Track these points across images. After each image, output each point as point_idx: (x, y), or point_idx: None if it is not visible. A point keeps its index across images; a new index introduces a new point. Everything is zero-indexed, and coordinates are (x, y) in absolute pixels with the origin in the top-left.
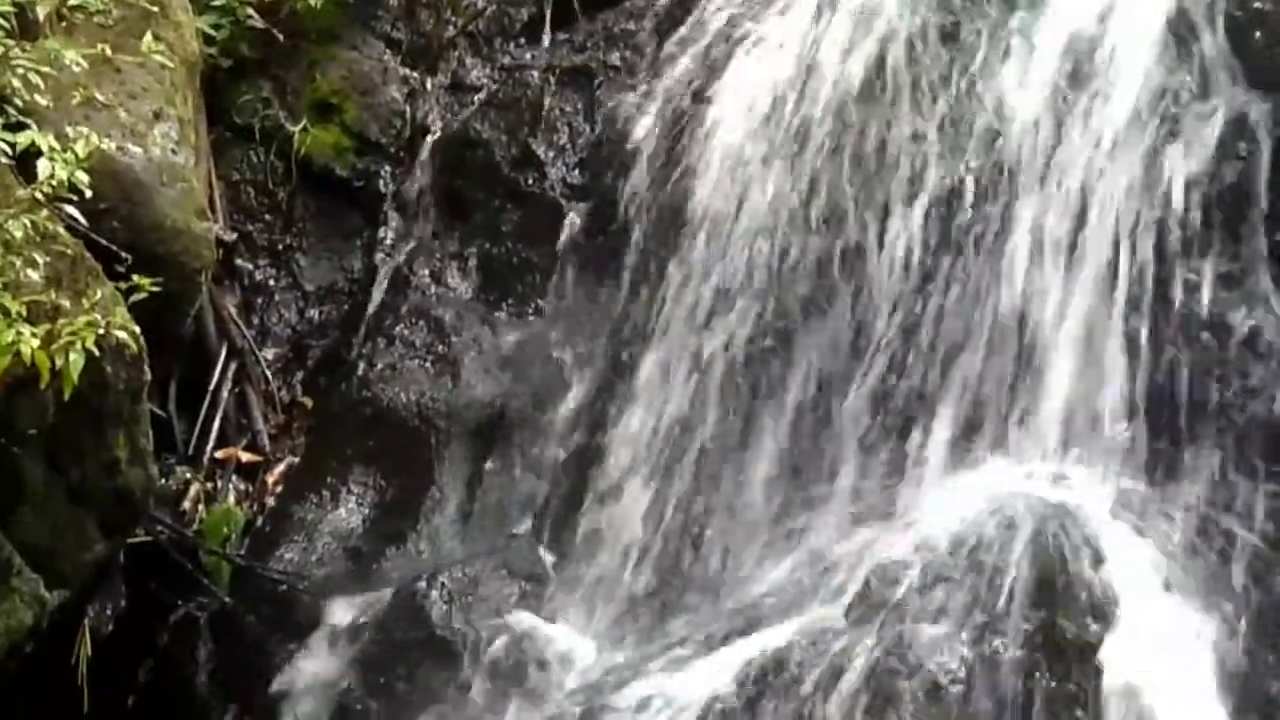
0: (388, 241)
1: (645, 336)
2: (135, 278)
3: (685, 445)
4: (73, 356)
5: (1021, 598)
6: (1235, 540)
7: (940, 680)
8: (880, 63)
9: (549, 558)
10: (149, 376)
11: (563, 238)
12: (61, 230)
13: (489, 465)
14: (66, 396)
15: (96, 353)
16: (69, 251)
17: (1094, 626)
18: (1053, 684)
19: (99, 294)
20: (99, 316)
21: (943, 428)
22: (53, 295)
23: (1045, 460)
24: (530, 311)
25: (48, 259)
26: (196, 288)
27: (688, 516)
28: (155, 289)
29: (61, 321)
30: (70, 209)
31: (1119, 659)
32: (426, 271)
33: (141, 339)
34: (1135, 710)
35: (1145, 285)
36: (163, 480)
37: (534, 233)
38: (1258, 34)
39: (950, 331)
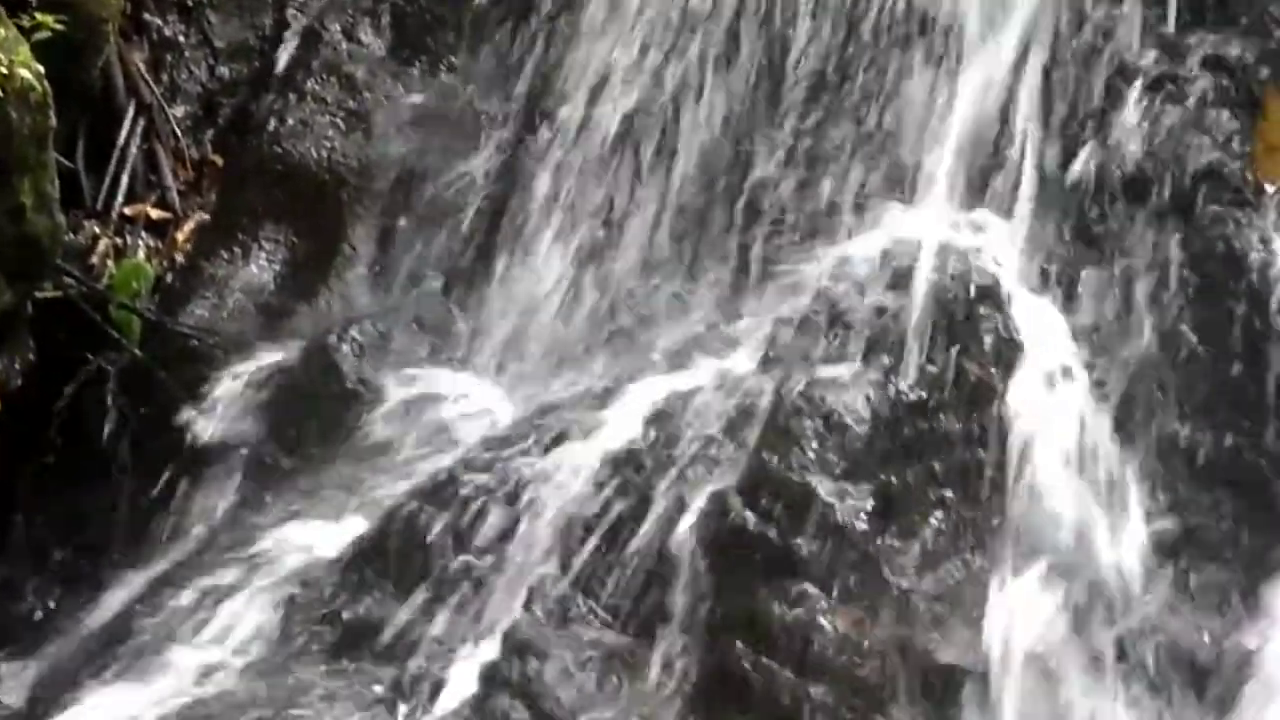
0: None
1: (557, 95)
2: (38, 15)
3: (597, 202)
4: None
5: (925, 340)
6: (1139, 286)
7: (844, 419)
8: None
9: (460, 313)
10: (54, 123)
11: None
12: None
13: (401, 223)
14: None
15: (0, 94)
16: None
17: (996, 368)
18: (954, 424)
19: (1, 34)
20: (1, 56)
21: (854, 179)
22: None
23: (953, 209)
24: (443, 69)
25: None
26: (103, 37)
27: (598, 271)
28: (60, 26)
29: None
30: None
31: (1020, 400)
32: (338, 27)
33: (46, 84)
34: (1035, 449)
35: (1055, 29)
36: (71, 235)
37: None
38: None
39: (864, 85)
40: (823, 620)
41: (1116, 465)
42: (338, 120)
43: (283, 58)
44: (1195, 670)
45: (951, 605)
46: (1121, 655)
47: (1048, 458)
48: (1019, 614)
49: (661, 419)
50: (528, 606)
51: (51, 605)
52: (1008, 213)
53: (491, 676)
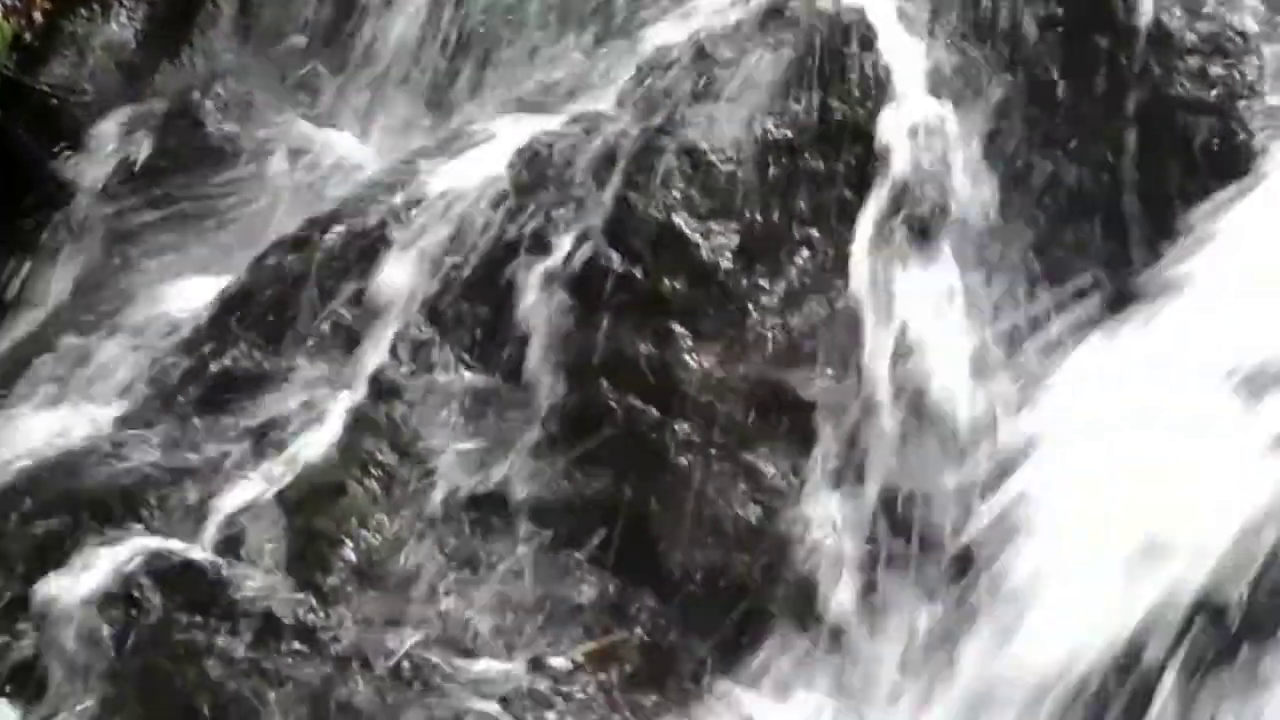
0: None
1: None
2: None
3: None
4: None
5: (792, 80)
6: (1006, 27)
7: (710, 159)
8: None
9: (324, 67)
10: None
11: None
12: None
13: None
14: None
15: None
16: None
17: (863, 108)
18: (820, 163)
19: None
20: None
21: None
22: None
23: None
24: None
25: None
26: None
27: (462, 21)
28: None
29: None
30: None
31: (887, 139)
32: None
33: None
34: (898, 187)
35: None
36: None
37: None
38: None
39: None
40: (687, 358)
41: (981, 203)
42: None
43: None
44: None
45: (817, 343)
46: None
47: (913, 196)
48: (882, 352)
49: (526, 163)
50: (393, 352)
51: None
52: None
53: (357, 421)
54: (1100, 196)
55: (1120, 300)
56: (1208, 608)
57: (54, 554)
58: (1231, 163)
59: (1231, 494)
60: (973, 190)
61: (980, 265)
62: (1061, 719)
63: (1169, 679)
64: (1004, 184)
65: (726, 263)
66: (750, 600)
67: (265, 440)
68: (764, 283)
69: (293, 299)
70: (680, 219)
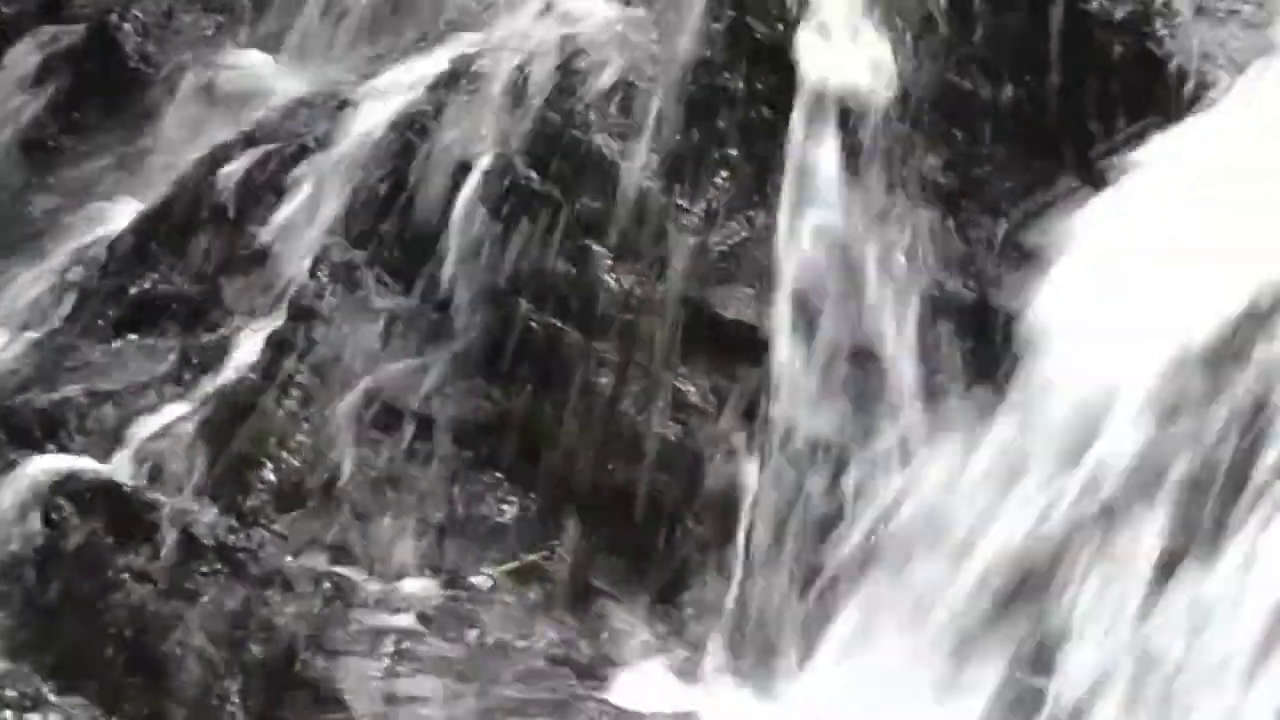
0: None
1: None
2: None
3: None
4: None
5: (711, 1)
6: None
7: (629, 78)
8: None
9: None
10: None
11: None
12: None
13: None
14: None
15: None
16: None
17: (782, 26)
18: (740, 83)
19: None
20: None
21: None
22: None
23: None
24: None
25: None
26: None
27: None
28: None
29: None
30: None
31: (806, 59)
32: None
33: None
34: (816, 105)
35: None
36: None
37: None
38: None
39: None
40: (607, 278)
41: (899, 121)
42: None
43: None
44: (964, 321)
45: (737, 262)
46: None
47: (832, 116)
48: (800, 270)
49: (446, 83)
50: (313, 274)
51: None
52: None
53: (278, 343)
54: (1021, 116)
55: (1039, 218)
56: None
57: None
58: (1150, 83)
59: None
60: (892, 106)
61: (898, 184)
62: None
63: None
64: (921, 103)
65: (646, 182)
66: (669, 519)
67: (185, 363)
68: (684, 202)
69: (212, 221)
70: (600, 139)
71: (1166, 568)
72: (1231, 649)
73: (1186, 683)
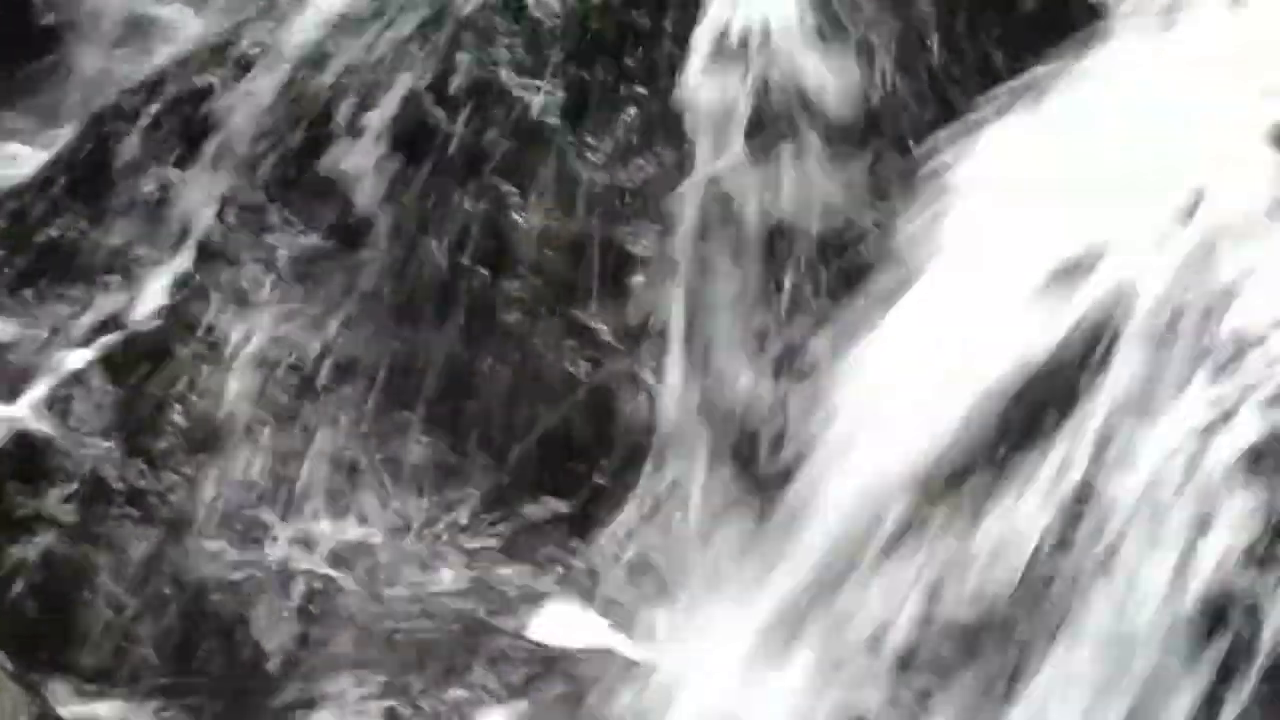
0: None
1: None
2: None
3: None
4: None
5: None
6: None
7: (535, 15)
8: None
9: None
10: None
11: None
12: None
13: None
14: None
15: None
16: None
17: None
18: (646, 21)
19: None
20: None
21: None
22: None
23: None
24: None
25: None
26: None
27: None
28: None
29: None
30: None
31: None
32: None
33: None
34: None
35: None
36: None
37: None
38: None
39: None
40: (515, 215)
41: (801, 56)
42: None
43: None
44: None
45: (643, 199)
46: (776, 242)
47: (738, 56)
48: (707, 205)
49: (351, 24)
50: (220, 217)
51: None
52: None
53: (185, 284)
54: (928, 49)
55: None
56: None
57: None
58: (1059, 16)
59: None
60: (796, 45)
61: (802, 115)
62: None
63: None
64: (829, 36)
65: (553, 119)
66: (580, 455)
67: (92, 307)
68: (591, 139)
69: (119, 166)
70: (506, 76)
71: None
72: None
73: None
